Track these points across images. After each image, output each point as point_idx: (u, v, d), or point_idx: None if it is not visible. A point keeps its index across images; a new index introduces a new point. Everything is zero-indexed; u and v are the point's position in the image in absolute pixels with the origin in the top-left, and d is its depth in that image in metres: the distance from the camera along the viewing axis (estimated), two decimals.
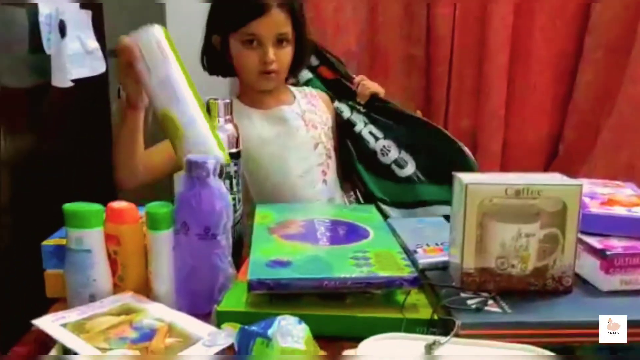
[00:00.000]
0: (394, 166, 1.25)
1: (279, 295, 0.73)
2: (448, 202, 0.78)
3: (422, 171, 1.24)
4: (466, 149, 1.24)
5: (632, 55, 1.55)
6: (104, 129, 1.11)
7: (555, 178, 0.77)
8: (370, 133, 1.26)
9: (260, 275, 0.72)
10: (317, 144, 1.23)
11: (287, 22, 1.15)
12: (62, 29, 0.96)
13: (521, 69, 1.66)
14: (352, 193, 1.30)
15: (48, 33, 0.93)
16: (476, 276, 0.73)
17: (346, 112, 1.28)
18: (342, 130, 1.29)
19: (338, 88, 1.32)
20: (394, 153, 1.25)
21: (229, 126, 0.92)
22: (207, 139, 0.83)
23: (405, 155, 1.25)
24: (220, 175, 0.80)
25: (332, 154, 1.27)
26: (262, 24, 1.12)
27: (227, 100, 0.93)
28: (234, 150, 0.91)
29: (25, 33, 0.91)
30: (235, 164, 0.91)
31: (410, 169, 1.24)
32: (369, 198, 1.25)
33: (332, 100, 1.32)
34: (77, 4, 1.01)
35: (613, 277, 0.74)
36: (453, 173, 0.77)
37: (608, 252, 0.74)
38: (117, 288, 0.78)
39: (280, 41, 1.15)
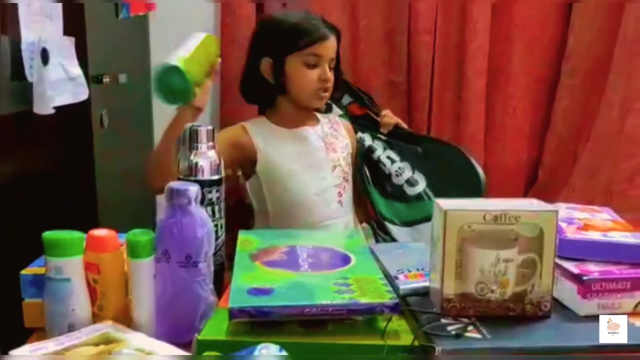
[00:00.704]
0: (406, 185, 1.35)
1: (260, 323, 0.73)
2: None
3: (432, 188, 1.34)
4: (475, 163, 1.34)
5: (609, 81, 1.59)
6: (85, 155, 1.11)
7: (532, 204, 0.78)
8: (388, 157, 1.38)
9: (242, 303, 0.72)
10: (335, 167, 1.32)
11: (336, 48, 1.30)
12: (44, 57, 0.96)
13: (500, 95, 1.69)
14: (365, 224, 1.39)
15: (30, 60, 0.94)
16: (456, 302, 0.74)
17: (368, 141, 1.40)
18: (362, 158, 1.39)
19: (365, 122, 1.44)
20: (407, 173, 1.36)
21: (212, 152, 0.92)
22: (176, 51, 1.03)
23: (417, 175, 1.35)
24: (202, 202, 0.80)
25: (350, 178, 1.35)
26: (324, 47, 1.27)
27: (210, 127, 0.93)
28: (215, 177, 0.91)
29: (8, 60, 0.91)
30: (217, 191, 0.91)
31: (420, 187, 1.34)
32: (380, 221, 1.33)
33: (356, 131, 1.43)
34: (61, 31, 1.01)
35: (590, 301, 0.75)
36: (434, 199, 0.79)
37: (585, 277, 0.75)
38: (96, 317, 0.77)
39: (330, 65, 1.29)
